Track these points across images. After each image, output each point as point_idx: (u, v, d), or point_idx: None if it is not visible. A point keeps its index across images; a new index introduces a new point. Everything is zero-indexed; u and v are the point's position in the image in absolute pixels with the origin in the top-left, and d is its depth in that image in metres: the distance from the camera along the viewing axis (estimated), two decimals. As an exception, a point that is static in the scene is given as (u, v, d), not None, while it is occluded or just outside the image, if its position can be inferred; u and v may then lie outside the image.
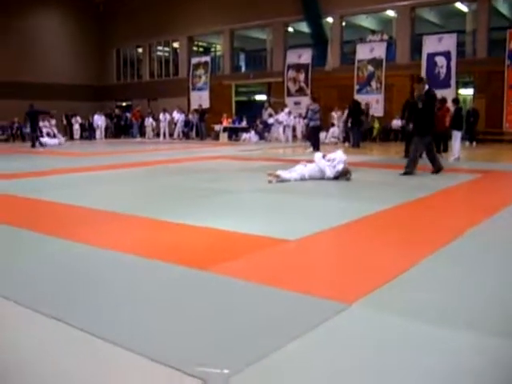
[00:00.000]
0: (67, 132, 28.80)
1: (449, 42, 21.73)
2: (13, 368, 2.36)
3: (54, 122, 26.79)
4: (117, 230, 5.21)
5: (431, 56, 22.07)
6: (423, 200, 7.00)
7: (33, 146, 20.20)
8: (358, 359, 2.38)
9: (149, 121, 28.96)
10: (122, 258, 4.08)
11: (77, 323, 2.75)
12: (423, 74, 22.09)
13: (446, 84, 20.99)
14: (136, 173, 10.71)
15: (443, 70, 20.94)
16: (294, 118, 24.10)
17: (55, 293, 3.29)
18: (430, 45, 22.20)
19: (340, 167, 8.93)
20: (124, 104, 35.57)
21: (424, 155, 10.14)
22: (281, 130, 23.89)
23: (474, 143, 19.30)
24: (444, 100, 14.73)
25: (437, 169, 9.66)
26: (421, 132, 9.59)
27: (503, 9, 24.91)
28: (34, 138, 20.59)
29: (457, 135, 13.06)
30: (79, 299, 3.17)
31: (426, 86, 9.71)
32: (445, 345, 2.52)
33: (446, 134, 14.48)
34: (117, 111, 31.95)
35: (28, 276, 3.68)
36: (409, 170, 9.51)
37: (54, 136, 26.32)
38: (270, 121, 24.79)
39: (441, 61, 21.80)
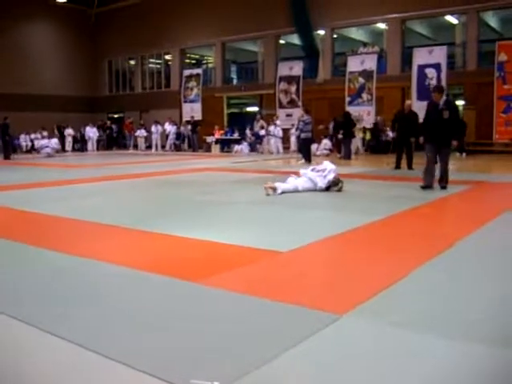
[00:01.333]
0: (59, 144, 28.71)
1: (439, 54, 21.90)
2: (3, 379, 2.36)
3: (45, 133, 26.74)
4: (108, 242, 5.21)
5: (422, 68, 22.22)
6: (414, 211, 7.04)
7: (6, 157, 21.02)
8: (349, 370, 2.39)
9: (141, 132, 28.95)
10: (113, 270, 4.07)
11: (66, 335, 2.75)
12: (413, 86, 22.30)
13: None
14: (128, 185, 10.70)
15: (433, 82, 21.04)
16: (287, 129, 24.11)
17: (44, 305, 3.29)
18: (421, 57, 22.36)
19: (331, 177, 8.98)
20: (116, 116, 35.59)
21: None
22: (272, 141, 23.95)
23: (464, 154, 19.42)
24: None
25: (445, 183, 9.08)
26: (446, 143, 9.09)
27: (492, 22, 25.18)
28: (8, 150, 21.53)
29: None
30: (68, 311, 3.16)
31: (445, 96, 9.36)
32: (437, 354, 2.53)
33: None
34: (109, 123, 31.95)
35: (15, 289, 3.67)
36: (428, 184, 9.14)
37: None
38: (262, 132, 24.86)
39: (431, 73, 21.96)
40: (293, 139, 23.06)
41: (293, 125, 22.81)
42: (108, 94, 36.13)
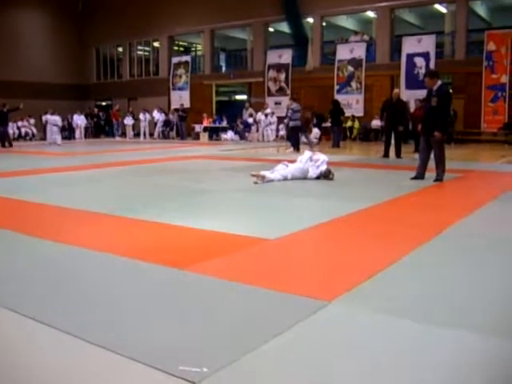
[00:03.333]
0: (46, 132, 28.43)
1: (428, 43, 21.93)
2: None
3: (32, 121, 26.50)
4: (96, 230, 5.18)
5: (410, 57, 22.25)
6: (404, 198, 7.07)
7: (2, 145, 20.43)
8: (336, 356, 2.40)
9: (128, 120, 28.74)
10: (101, 258, 4.05)
11: (56, 324, 2.73)
12: (402, 74, 22.33)
13: (424, 84, 21.13)
14: (116, 172, 10.64)
15: (422, 71, 21.07)
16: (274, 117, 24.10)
17: (33, 293, 3.27)
18: (410, 45, 22.38)
19: (323, 168, 8.99)
20: (104, 103, 35.32)
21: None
22: (261, 129, 23.94)
23: (452, 143, 19.50)
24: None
25: (439, 176, 8.71)
26: (432, 132, 8.61)
27: (481, 11, 25.21)
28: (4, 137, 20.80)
29: None
30: (57, 299, 3.15)
31: (439, 82, 8.80)
32: (426, 341, 2.54)
33: None
34: (96, 111, 31.72)
35: (2, 276, 3.64)
36: (417, 174, 8.90)
37: (33, 135, 26.03)
38: (250, 120, 24.81)
39: (420, 61, 21.99)
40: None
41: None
42: (96, 82, 35.82)
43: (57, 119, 22.83)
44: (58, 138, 22.39)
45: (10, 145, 20.53)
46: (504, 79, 20.85)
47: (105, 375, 2.26)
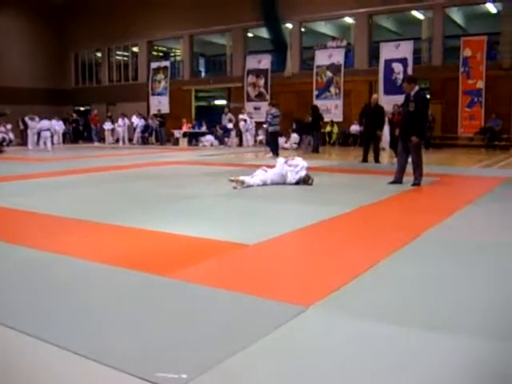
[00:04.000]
0: (23, 137, 28.11)
1: (405, 49, 22.17)
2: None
3: (9, 126, 26.20)
4: (74, 237, 5.14)
5: (388, 62, 22.47)
6: (383, 203, 7.12)
7: None
8: (312, 362, 2.41)
9: (107, 125, 28.55)
10: (80, 265, 4.03)
11: (31, 331, 2.71)
12: (380, 80, 22.54)
13: (402, 90, 21.33)
14: (94, 179, 10.57)
15: (400, 77, 21.32)
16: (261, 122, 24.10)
17: (10, 301, 3.24)
18: (388, 51, 22.60)
19: (302, 173, 9.03)
20: (82, 108, 35.06)
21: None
22: (248, 135, 23.95)
23: (430, 148, 19.69)
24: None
25: (417, 180, 8.76)
26: (408, 136, 8.73)
27: (457, 18, 25.55)
28: None
29: None
30: (34, 307, 3.12)
31: (417, 87, 8.88)
32: (404, 345, 2.57)
33: None
34: (75, 116, 31.47)
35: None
36: (395, 179, 9.01)
37: (10, 141, 25.70)
38: (230, 126, 24.83)
39: (398, 67, 22.22)
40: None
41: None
42: (74, 87, 35.56)
43: (49, 124, 22.39)
44: (49, 144, 21.86)
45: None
46: (480, 84, 21.17)
47: (80, 382, 2.25)
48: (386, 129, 15.13)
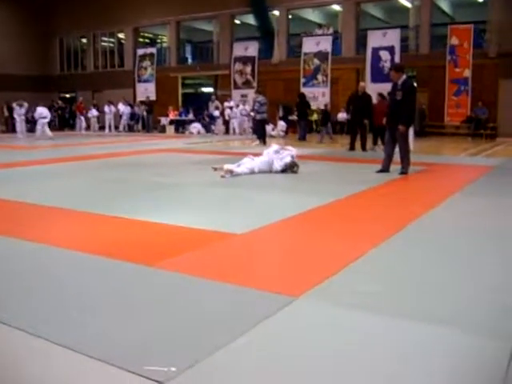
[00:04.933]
0: (8, 124, 27.77)
1: (393, 37, 22.11)
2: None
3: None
4: (59, 226, 5.09)
5: (376, 50, 22.41)
6: (370, 191, 7.13)
7: None
8: (303, 353, 2.39)
9: (92, 113, 28.27)
10: (65, 254, 3.98)
11: (16, 323, 2.67)
12: (367, 68, 22.49)
13: (389, 78, 21.30)
14: (79, 167, 10.48)
15: (387, 65, 21.27)
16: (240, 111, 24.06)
17: (-5, 292, 3.19)
18: (375, 39, 22.54)
19: (288, 160, 8.99)
20: (68, 95, 34.73)
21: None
22: (236, 122, 23.89)
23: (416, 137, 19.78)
24: (383, 95, 15.04)
25: (404, 169, 8.79)
26: (396, 126, 8.73)
27: (444, 6, 25.57)
28: None
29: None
30: (20, 299, 3.07)
31: (404, 76, 8.90)
32: (392, 336, 2.56)
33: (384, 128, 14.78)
34: (60, 103, 31.15)
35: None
36: (383, 167, 9.00)
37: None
38: (216, 113, 24.74)
39: (385, 55, 22.17)
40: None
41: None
42: (59, 73, 35.19)
43: (47, 112, 21.75)
44: (48, 131, 21.16)
45: None
46: (467, 73, 21.21)
47: (68, 375, 2.22)
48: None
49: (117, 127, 27.48)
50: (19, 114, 22.31)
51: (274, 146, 9.49)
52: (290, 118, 22.88)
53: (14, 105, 22.72)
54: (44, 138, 20.37)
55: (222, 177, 8.42)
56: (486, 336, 2.58)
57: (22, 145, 18.00)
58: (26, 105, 22.55)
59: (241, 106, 23.65)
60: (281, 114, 22.72)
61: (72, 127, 29.24)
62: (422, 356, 2.36)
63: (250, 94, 23.97)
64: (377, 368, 2.26)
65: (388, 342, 2.50)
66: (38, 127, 21.05)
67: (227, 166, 8.66)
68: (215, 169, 8.79)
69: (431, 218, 5.42)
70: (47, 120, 21.40)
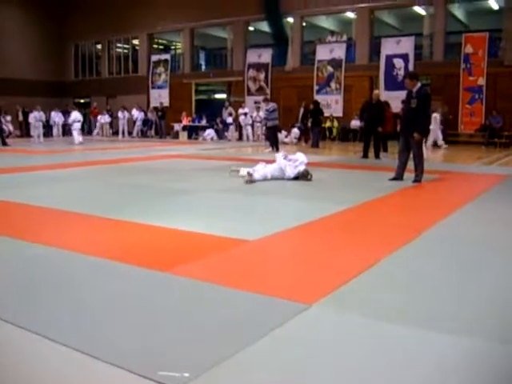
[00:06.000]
0: (23, 129, 28.03)
1: (407, 45, 22.08)
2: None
3: (9, 118, 26.09)
4: (74, 231, 5.11)
5: (389, 58, 22.38)
6: (384, 199, 7.10)
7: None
8: (316, 360, 2.39)
9: (105, 118, 28.43)
10: (78, 259, 4.00)
11: (31, 327, 2.68)
12: (381, 75, 22.45)
13: (403, 86, 21.27)
14: (94, 172, 10.54)
15: (401, 72, 21.24)
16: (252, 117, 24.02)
17: (10, 296, 3.21)
18: (389, 47, 22.51)
19: (301, 168, 9.00)
20: (82, 101, 34.96)
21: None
22: (250, 129, 23.92)
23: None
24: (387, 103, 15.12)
25: (418, 177, 8.76)
26: (411, 134, 8.68)
27: (459, 14, 25.47)
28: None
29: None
30: (35, 302, 3.09)
31: (419, 84, 8.85)
32: (406, 345, 2.55)
33: (392, 135, 14.84)
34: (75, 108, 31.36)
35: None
36: (396, 175, 8.96)
37: (10, 133, 25.55)
38: (230, 120, 24.79)
39: (399, 63, 22.14)
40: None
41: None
42: (74, 79, 35.45)
43: (78, 116, 22.16)
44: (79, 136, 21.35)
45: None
46: (481, 81, 21.10)
47: (82, 380, 2.23)
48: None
49: (130, 133, 27.60)
50: (38, 118, 22.50)
51: (281, 153, 9.60)
52: (298, 125, 22.73)
53: (34, 111, 22.95)
54: (78, 142, 20.61)
55: (246, 182, 8.46)
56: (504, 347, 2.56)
57: (37, 149, 18.11)
58: (41, 112, 22.85)
59: (255, 113, 23.63)
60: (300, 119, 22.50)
61: (89, 133, 29.41)
62: (437, 366, 2.34)
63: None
64: (390, 376, 2.25)
65: (401, 350, 2.49)
66: (74, 132, 21.30)
67: (244, 170, 8.76)
68: (232, 170, 8.92)
69: (446, 226, 5.39)
70: (80, 125, 21.80)
